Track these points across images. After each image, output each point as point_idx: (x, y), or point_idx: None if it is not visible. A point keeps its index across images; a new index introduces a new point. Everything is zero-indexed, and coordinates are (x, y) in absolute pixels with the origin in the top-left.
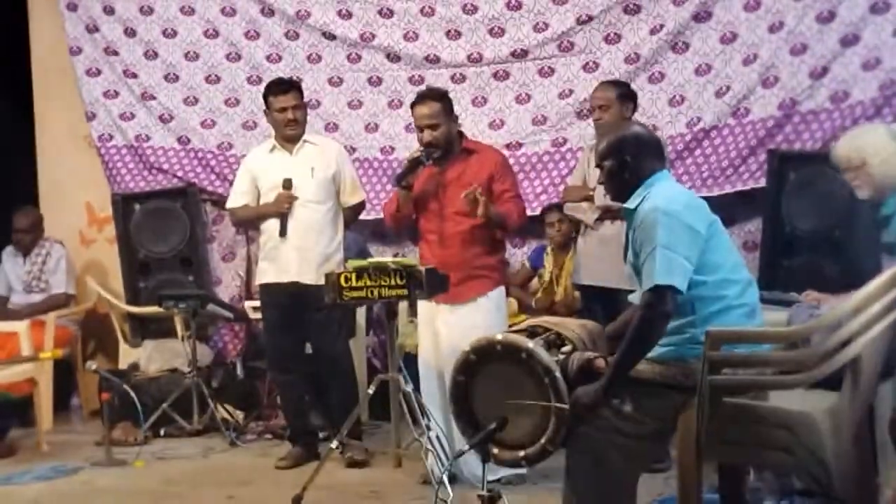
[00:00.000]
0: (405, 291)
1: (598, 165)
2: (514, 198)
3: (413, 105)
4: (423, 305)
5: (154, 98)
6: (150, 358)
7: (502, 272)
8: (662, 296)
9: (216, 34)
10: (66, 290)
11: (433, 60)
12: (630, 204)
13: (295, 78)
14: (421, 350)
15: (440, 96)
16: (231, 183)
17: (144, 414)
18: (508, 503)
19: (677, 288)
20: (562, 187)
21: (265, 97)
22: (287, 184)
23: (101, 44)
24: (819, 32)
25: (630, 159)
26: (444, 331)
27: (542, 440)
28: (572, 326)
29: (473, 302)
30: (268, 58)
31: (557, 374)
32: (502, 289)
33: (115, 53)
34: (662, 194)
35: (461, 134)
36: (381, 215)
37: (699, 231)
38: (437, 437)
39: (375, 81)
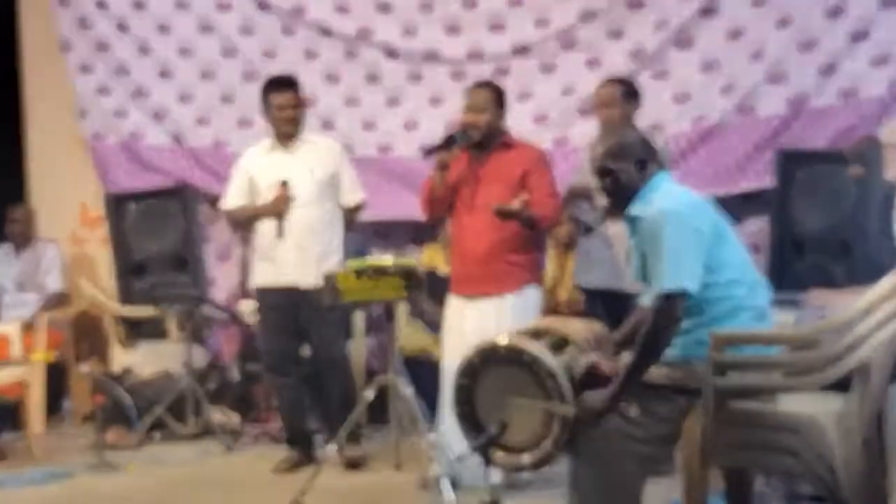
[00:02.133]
0: (404, 292)
1: (598, 175)
2: (548, 196)
3: (470, 89)
4: (451, 304)
5: (147, 95)
6: (143, 360)
7: (534, 271)
8: (672, 301)
9: (211, 30)
10: (61, 290)
11: (432, 57)
12: (633, 211)
13: (291, 74)
14: (445, 351)
15: (496, 87)
16: (226, 182)
17: (138, 417)
18: None
19: (688, 291)
20: (563, 187)
21: (264, 95)
22: (285, 185)
23: (93, 39)
24: (828, 28)
25: (630, 166)
26: (470, 326)
27: (547, 444)
28: (577, 328)
29: (500, 298)
30: (263, 54)
31: (562, 377)
32: (535, 289)
33: (108, 49)
34: (665, 197)
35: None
36: (381, 216)
37: (704, 231)
38: (437, 441)
39: (373, 78)
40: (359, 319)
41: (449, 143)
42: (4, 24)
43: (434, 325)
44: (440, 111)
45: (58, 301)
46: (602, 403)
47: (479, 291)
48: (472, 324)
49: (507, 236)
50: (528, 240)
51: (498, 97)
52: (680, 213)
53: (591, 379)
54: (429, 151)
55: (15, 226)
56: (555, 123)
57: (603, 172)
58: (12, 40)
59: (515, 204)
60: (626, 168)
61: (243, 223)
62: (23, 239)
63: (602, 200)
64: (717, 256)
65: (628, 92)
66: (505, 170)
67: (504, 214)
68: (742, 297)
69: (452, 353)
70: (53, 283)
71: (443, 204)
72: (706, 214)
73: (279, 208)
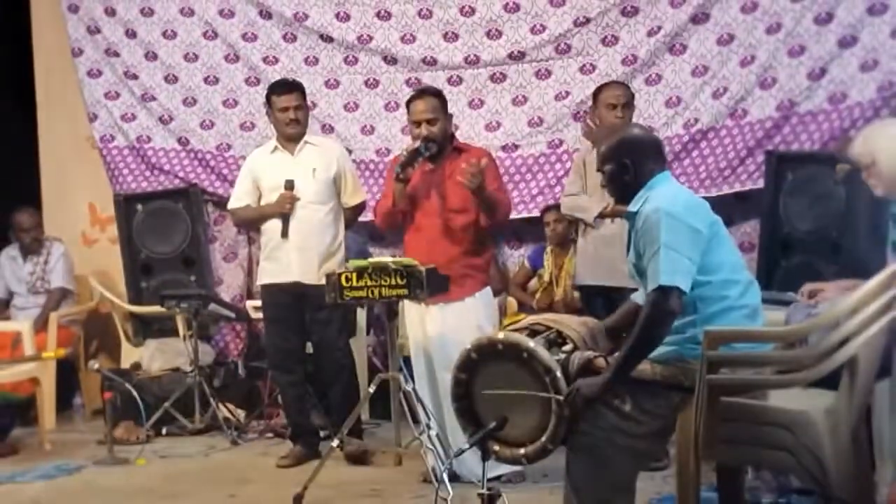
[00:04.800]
0: (405, 291)
1: (598, 169)
2: (500, 192)
3: (409, 102)
4: (410, 306)
5: (154, 99)
6: (152, 357)
7: (488, 272)
8: (668, 295)
9: (215, 35)
10: (65, 286)
11: (430, 62)
12: (632, 207)
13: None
14: (412, 350)
15: (437, 93)
16: (231, 183)
17: (146, 413)
18: (508, 502)
19: (681, 288)
20: (558, 189)
21: (268, 97)
22: (289, 185)
23: (102, 45)
24: (817, 34)
25: (630, 162)
26: (433, 330)
27: (543, 438)
28: (573, 324)
29: (461, 301)
30: (265, 59)
31: (558, 373)
32: (489, 289)
33: (116, 55)
34: (664, 195)
35: (452, 135)
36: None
37: (701, 231)
38: (437, 436)
39: (372, 84)
40: (360, 317)
41: (415, 156)
42: (17, 30)
43: None
44: None
45: (60, 297)
46: (594, 390)
47: (441, 298)
48: (434, 328)
49: (464, 240)
50: (483, 243)
51: (443, 103)
52: (676, 210)
53: (587, 375)
54: (404, 168)
55: (25, 234)
56: (549, 127)
57: (603, 165)
58: (25, 46)
59: (481, 165)
60: (626, 163)
61: (249, 223)
62: (34, 245)
63: (597, 200)
64: (713, 257)
65: (632, 95)
66: (459, 174)
67: (474, 181)
68: (735, 297)
69: (417, 357)
70: (57, 279)
71: (401, 214)
72: (703, 214)
73: (284, 208)
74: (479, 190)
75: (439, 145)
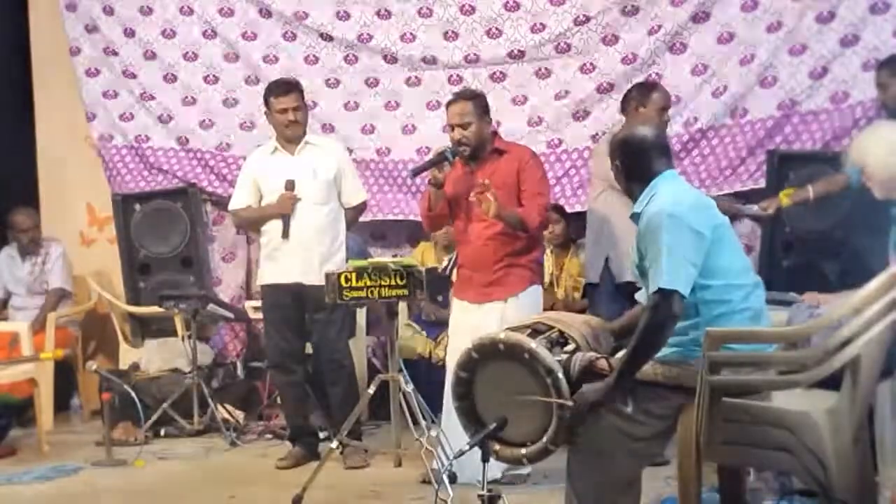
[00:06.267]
0: (405, 291)
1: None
2: (535, 195)
3: (447, 105)
4: (456, 307)
5: (153, 98)
6: (150, 358)
7: (536, 271)
8: (669, 299)
9: (214, 34)
10: (63, 286)
11: (430, 61)
12: (636, 208)
13: (293, 78)
14: (450, 353)
15: (473, 96)
16: (230, 183)
17: (145, 414)
18: (509, 503)
19: (681, 293)
20: (557, 189)
21: (266, 98)
22: (290, 185)
23: (100, 44)
24: (818, 32)
25: (620, 164)
26: (473, 330)
27: (544, 439)
28: (575, 323)
29: (503, 302)
30: (265, 58)
31: (560, 374)
32: (537, 287)
33: (115, 54)
34: (668, 195)
35: (495, 134)
36: (379, 217)
37: (704, 234)
38: (438, 437)
39: (372, 83)
40: (360, 318)
41: (438, 161)
42: (15, 29)
43: (431, 326)
44: (438, 114)
45: (59, 298)
46: (598, 395)
47: (485, 298)
48: (477, 323)
49: (509, 242)
50: (528, 242)
51: (480, 105)
52: (680, 213)
53: (588, 377)
54: (417, 172)
55: (23, 234)
56: (549, 126)
57: (611, 160)
58: (23, 45)
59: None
60: (623, 162)
61: (250, 224)
62: (32, 245)
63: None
64: (716, 260)
65: None
66: (500, 176)
67: (490, 210)
68: (738, 300)
69: (454, 356)
70: (55, 280)
71: (442, 217)
72: (707, 216)
73: (285, 208)
74: (498, 216)
75: (473, 148)
